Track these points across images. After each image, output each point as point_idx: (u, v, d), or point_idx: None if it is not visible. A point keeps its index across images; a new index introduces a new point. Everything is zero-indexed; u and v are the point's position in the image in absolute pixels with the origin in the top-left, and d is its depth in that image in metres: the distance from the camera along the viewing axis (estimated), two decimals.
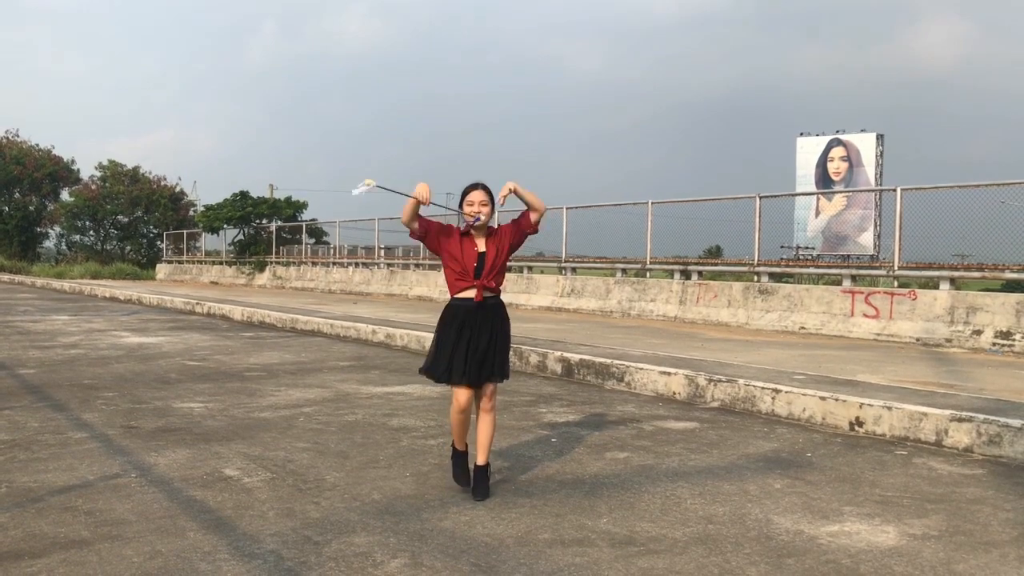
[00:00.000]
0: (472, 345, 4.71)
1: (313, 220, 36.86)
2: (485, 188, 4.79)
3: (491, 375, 4.79)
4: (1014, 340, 11.47)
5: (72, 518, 4.23)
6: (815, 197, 36.82)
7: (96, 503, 4.48)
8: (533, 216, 4.91)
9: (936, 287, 13.06)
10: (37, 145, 55.12)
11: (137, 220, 54.47)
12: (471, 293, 4.75)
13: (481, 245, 4.79)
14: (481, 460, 4.80)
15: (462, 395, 4.76)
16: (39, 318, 17.30)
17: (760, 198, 16.03)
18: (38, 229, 55.96)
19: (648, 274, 18.08)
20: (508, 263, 5.00)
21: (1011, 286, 14.23)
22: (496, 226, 4.92)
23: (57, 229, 55.92)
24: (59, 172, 54.48)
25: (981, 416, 6.09)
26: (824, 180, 39.10)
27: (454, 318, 4.79)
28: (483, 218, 4.74)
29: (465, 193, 4.78)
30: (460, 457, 4.92)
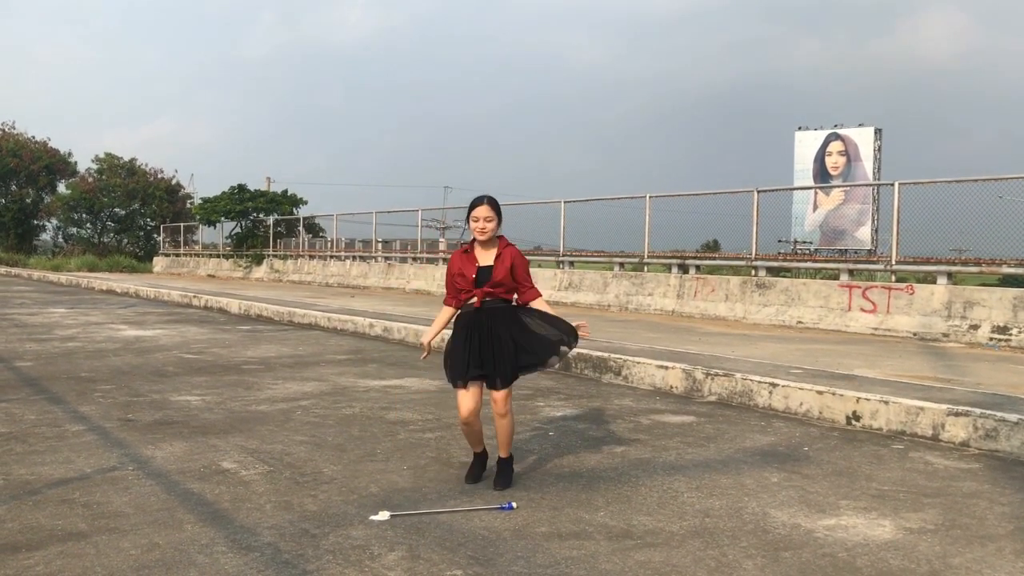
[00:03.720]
0: (482, 348, 4.72)
1: (311, 216, 36.81)
2: (491, 202, 4.80)
3: (496, 377, 4.75)
4: (1011, 335, 11.49)
5: (69, 511, 4.23)
6: (813, 191, 36.85)
7: (93, 496, 4.48)
8: (522, 301, 4.94)
9: (934, 282, 13.07)
10: (33, 137, 55.09)
11: (134, 213, 54.41)
12: (473, 300, 4.78)
13: (484, 259, 4.80)
14: (503, 453, 4.86)
15: (463, 404, 4.72)
16: (36, 311, 17.27)
17: (758, 192, 16.02)
18: (35, 222, 55.91)
19: (646, 268, 18.08)
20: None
21: (1008, 281, 14.24)
22: (506, 245, 4.87)
23: (54, 222, 55.93)
24: (55, 164, 54.37)
25: (978, 410, 6.10)
26: (822, 174, 39.12)
27: (460, 325, 4.84)
28: (488, 234, 4.76)
29: (472, 208, 4.79)
30: (477, 457, 4.96)
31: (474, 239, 4.84)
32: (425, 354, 5.00)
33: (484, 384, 4.77)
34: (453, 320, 4.93)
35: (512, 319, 4.85)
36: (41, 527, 3.99)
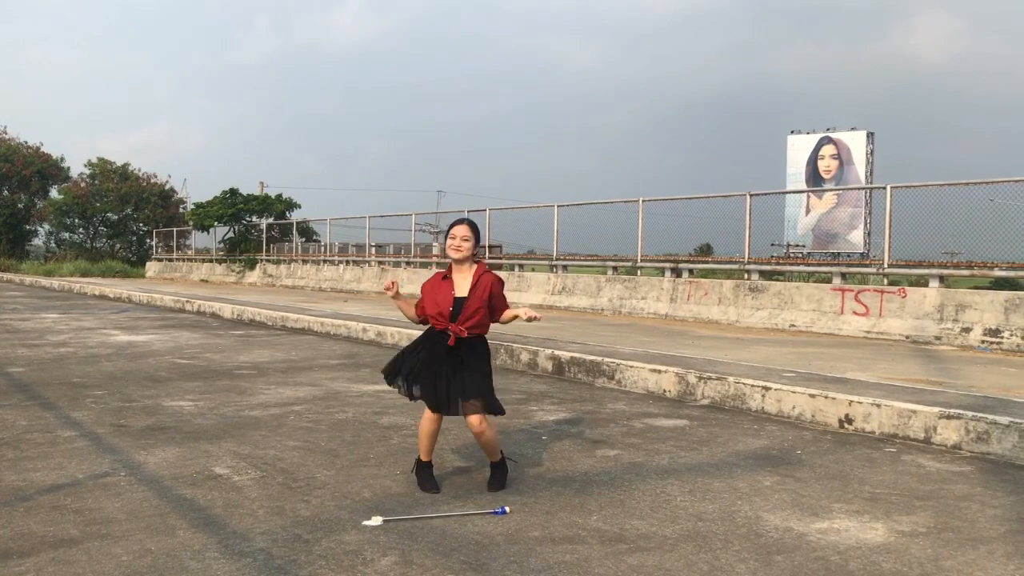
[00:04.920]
0: (440, 372, 4.74)
1: (304, 221, 36.75)
2: (470, 224, 4.86)
3: (457, 405, 4.75)
4: (1002, 337, 11.53)
5: (61, 517, 4.22)
6: (805, 195, 36.94)
7: (85, 502, 4.47)
8: (496, 317, 4.93)
9: (926, 285, 13.11)
10: (26, 142, 54.86)
11: (127, 218, 54.24)
12: (449, 334, 4.76)
13: (460, 288, 4.80)
14: (494, 459, 4.92)
15: (427, 418, 4.87)
16: (28, 316, 17.22)
17: (750, 196, 16.06)
18: (27, 227, 55.68)
19: (639, 272, 18.11)
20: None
21: (1000, 284, 14.30)
22: (483, 273, 4.86)
23: (46, 227, 55.69)
24: (48, 169, 54.19)
25: (969, 413, 6.12)
26: (814, 178, 39.22)
27: (426, 339, 4.88)
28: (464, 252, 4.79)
29: (450, 227, 4.86)
30: (425, 466, 4.92)
31: (451, 263, 4.88)
32: (392, 291, 4.84)
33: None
34: (426, 331, 4.93)
35: (481, 356, 4.86)
36: (33, 533, 3.98)
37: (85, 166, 54.46)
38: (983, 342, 11.66)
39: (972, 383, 7.99)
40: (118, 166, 54.26)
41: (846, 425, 6.73)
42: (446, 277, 4.88)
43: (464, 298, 4.77)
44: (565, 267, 19.78)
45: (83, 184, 53.44)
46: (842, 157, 38.73)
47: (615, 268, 18.44)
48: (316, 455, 5.57)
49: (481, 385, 4.80)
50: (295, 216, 37.45)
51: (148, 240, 51.54)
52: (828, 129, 39.77)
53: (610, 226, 19.56)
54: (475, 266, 4.87)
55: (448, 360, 4.75)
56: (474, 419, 4.74)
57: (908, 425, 6.39)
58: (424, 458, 4.92)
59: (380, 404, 7.49)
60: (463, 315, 4.74)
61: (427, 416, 4.87)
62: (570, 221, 20.22)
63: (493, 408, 4.83)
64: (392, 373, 4.94)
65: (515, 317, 4.89)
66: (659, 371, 8.36)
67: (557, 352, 9.68)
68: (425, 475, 4.89)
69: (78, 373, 9.10)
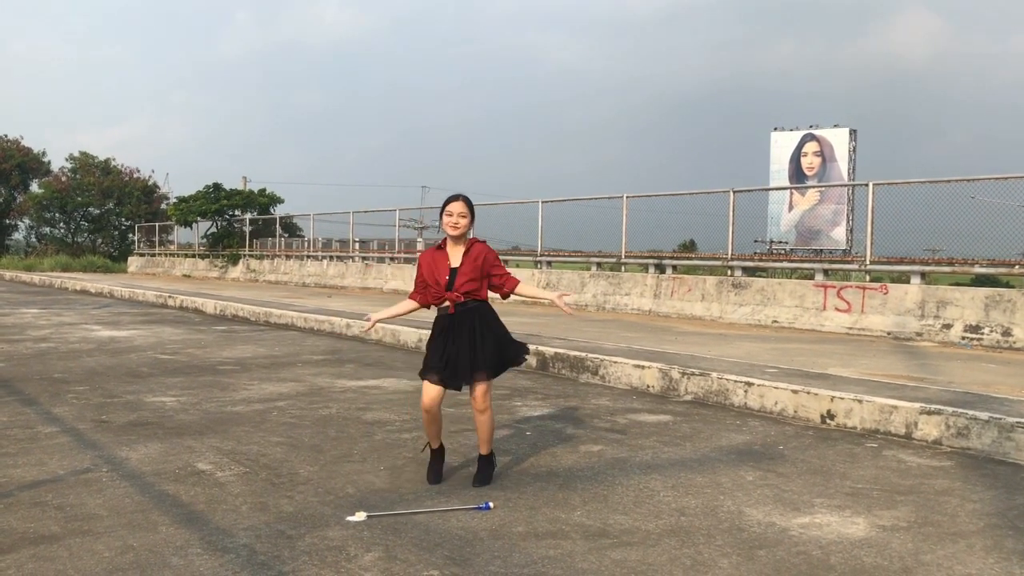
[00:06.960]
0: (450, 347, 4.77)
1: (288, 216, 36.57)
2: (465, 200, 4.86)
3: (469, 375, 4.78)
4: (983, 334, 11.62)
5: (42, 513, 4.19)
6: (788, 192, 37.06)
7: (66, 498, 4.44)
8: (507, 290, 4.98)
9: (907, 281, 13.20)
10: (5, 136, 54.35)
11: (108, 212, 53.85)
12: (446, 304, 4.83)
13: (455, 259, 4.85)
14: (483, 450, 4.92)
15: (427, 394, 4.79)
16: (8, 311, 17.07)
17: (734, 192, 16.11)
18: (7, 221, 55.20)
19: (623, 268, 18.14)
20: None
21: (981, 280, 14.41)
22: (474, 242, 4.93)
23: (26, 221, 55.24)
24: (28, 163, 53.72)
25: (950, 409, 6.17)
26: (798, 175, 39.36)
27: (437, 327, 4.91)
28: (460, 229, 4.81)
29: (446, 203, 4.85)
30: (435, 454, 4.95)
31: (446, 238, 4.89)
32: (368, 327, 5.11)
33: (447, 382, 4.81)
34: (433, 321, 4.95)
35: (490, 316, 4.92)
36: (13, 530, 3.95)
37: (67, 160, 54.03)
38: (964, 338, 11.75)
39: (952, 379, 8.06)
40: (100, 160, 53.85)
41: (828, 420, 6.78)
42: (440, 248, 4.91)
43: (458, 268, 4.82)
44: (550, 263, 19.80)
45: (64, 178, 52.99)
46: (825, 154, 38.90)
47: (599, 264, 18.47)
48: (299, 451, 5.56)
49: (498, 348, 4.89)
50: (278, 211, 37.27)
51: (130, 235, 51.21)
52: (811, 126, 39.92)
53: (594, 222, 19.60)
54: (468, 241, 4.91)
55: (460, 332, 4.77)
56: (480, 391, 4.77)
57: (889, 421, 6.43)
58: (435, 444, 4.93)
59: (364, 400, 7.48)
60: (457, 283, 4.79)
61: (422, 404, 4.79)
62: (555, 217, 20.26)
63: (519, 354, 4.98)
64: (425, 369, 4.87)
65: (537, 299, 4.95)
66: (643, 367, 8.39)
67: (541, 348, 9.69)
68: (434, 463, 4.91)
69: (59, 368, 9.04)
